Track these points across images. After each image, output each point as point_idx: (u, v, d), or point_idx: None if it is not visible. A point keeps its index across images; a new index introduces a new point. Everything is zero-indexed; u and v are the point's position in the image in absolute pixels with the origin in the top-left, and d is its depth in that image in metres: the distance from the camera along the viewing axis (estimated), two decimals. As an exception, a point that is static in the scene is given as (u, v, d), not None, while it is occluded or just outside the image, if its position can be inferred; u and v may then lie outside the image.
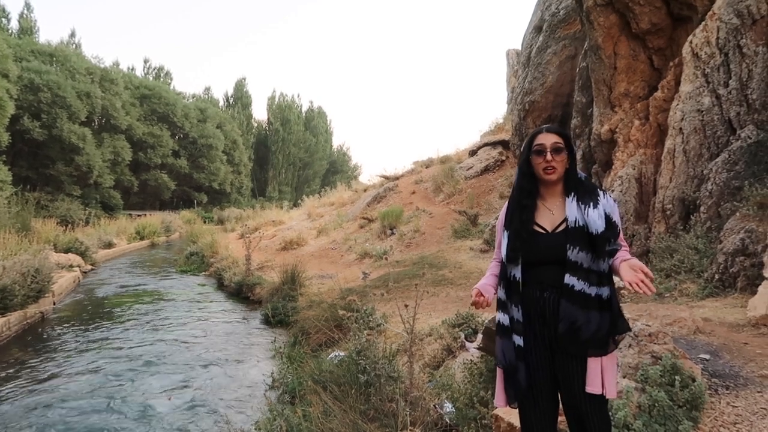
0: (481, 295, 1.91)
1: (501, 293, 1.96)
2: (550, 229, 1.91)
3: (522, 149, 2.01)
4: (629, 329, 1.94)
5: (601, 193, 1.91)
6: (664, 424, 2.47)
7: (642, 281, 1.67)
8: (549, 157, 1.90)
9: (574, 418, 1.87)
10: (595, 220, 1.83)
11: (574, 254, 1.82)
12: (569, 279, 1.81)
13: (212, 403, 4.88)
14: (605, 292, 1.82)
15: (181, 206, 38.19)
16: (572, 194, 1.91)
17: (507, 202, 2.05)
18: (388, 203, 15.33)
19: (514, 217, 1.96)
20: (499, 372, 1.98)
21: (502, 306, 1.96)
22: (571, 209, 1.88)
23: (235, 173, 45.33)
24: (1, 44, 20.72)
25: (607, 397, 1.82)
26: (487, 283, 1.99)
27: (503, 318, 1.93)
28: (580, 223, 1.84)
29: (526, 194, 1.96)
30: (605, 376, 1.81)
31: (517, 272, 1.91)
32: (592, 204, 1.86)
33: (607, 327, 1.80)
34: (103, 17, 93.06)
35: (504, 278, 1.95)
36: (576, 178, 1.95)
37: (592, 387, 1.80)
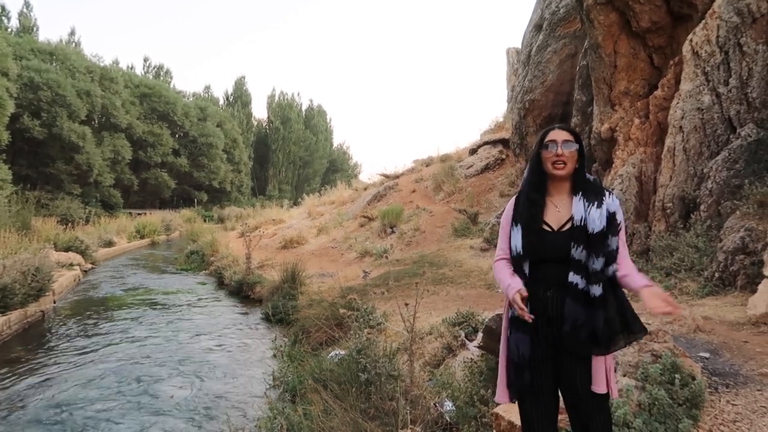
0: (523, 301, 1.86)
1: None
2: (555, 228, 1.91)
3: (534, 146, 2.02)
4: (645, 331, 1.95)
5: (606, 193, 1.93)
6: (664, 423, 2.48)
7: (668, 311, 1.77)
8: (560, 150, 1.91)
9: (577, 417, 1.88)
10: (595, 219, 1.84)
11: (578, 253, 1.83)
12: (573, 277, 1.83)
13: (213, 402, 4.89)
14: (599, 290, 1.83)
15: (181, 205, 38.20)
16: (580, 193, 1.92)
17: (512, 198, 2.05)
18: (388, 202, 15.33)
19: (524, 212, 1.96)
20: (501, 368, 1.98)
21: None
22: (578, 208, 1.89)
23: (235, 172, 45.32)
24: (1, 43, 20.70)
25: (612, 396, 1.84)
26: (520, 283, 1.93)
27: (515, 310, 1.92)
28: (583, 222, 1.85)
29: (535, 188, 1.98)
30: (609, 375, 1.84)
31: (526, 268, 1.92)
32: (596, 203, 1.88)
33: (601, 325, 1.81)
34: (103, 16, 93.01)
35: (518, 273, 1.95)
36: (584, 178, 1.96)
37: (598, 386, 1.81)
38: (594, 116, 8.19)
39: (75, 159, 25.68)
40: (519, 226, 1.95)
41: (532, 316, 1.83)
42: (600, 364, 1.83)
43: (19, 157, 24.94)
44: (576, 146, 1.94)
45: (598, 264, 1.82)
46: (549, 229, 1.92)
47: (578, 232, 1.85)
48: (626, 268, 1.87)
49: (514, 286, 1.88)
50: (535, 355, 1.88)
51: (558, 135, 1.95)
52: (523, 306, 1.83)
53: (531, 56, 12.62)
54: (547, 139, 1.96)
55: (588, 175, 1.99)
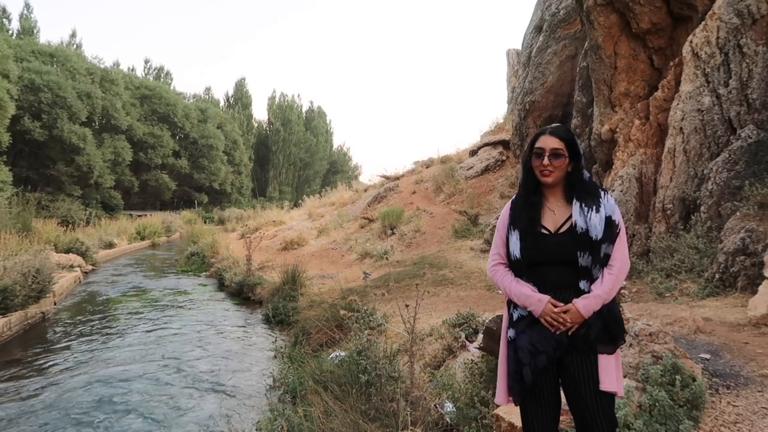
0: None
1: None
2: (553, 230, 1.91)
3: (526, 148, 2.02)
4: (626, 333, 1.98)
5: (602, 193, 1.91)
6: (664, 424, 2.47)
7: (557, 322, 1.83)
8: (546, 161, 1.89)
9: (580, 419, 1.87)
10: (596, 225, 1.84)
11: (584, 259, 1.84)
12: (584, 285, 1.85)
13: (213, 403, 4.89)
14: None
15: (181, 206, 38.20)
16: (579, 198, 1.90)
17: (510, 201, 2.04)
18: (388, 203, 15.33)
19: (522, 215, 1.94)
20: (501, 370, 1.98)
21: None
22: (578, 214, 1.87)
23: (236, 173, 45.34)
24: (1, 45, 20.74)
25: (618, 395, 1.84)
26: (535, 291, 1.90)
27: (523, 310, 1.91)
28: (585, 228, 1.84)
29: (532, 191, 1.96)
30: (617, 374, 1.85)
31: (525, 273, 1.91)
32: (594, 208, 1.86)
33: (600, 324, 1.83)
34: (104, 18, 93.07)
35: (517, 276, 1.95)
36: (581, 180, 1.94)
37: (607, 385, 1.82)
38: (594, 117, 8.19)
39: (75, 161, 25.69)
40: (516, 231, 1.94)
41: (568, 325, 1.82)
42: (608, 363, 1.84)
43: (20, 158, 24.97)
44: (565, 156, 1.90)
45: (596, 271, 1.85)
46: (546, 232, 1.92)
47: (582, 238, 1.84)
48: (598, 282, 1.85)
49: (540, 298, 1.85)
50: (549, 352, 1.84)
51: (547, 143, 1.91)
52: (565, 318, 1.81)
53: (531, 57, 12.63)
54: (536, 145, 1.94)
55: (585, 173, 1.97)
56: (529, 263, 1.90)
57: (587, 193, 1.90)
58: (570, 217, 1.89)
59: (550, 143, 1.91)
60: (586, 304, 1.80)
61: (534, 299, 1.86)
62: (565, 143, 1.91)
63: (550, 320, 1.82)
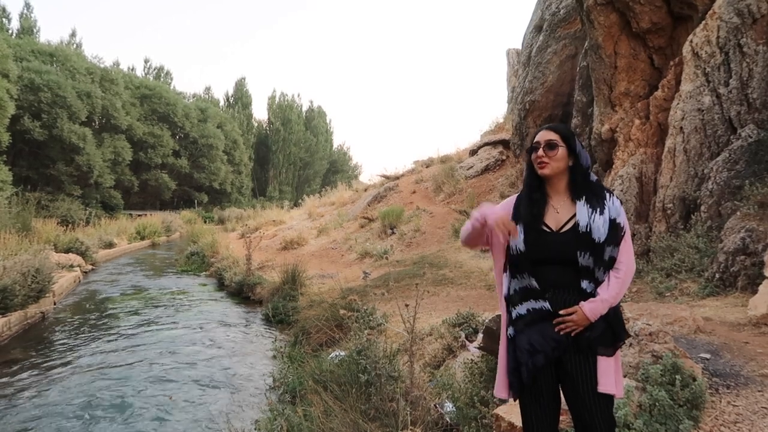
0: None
1: (517, 284, 1.92)
2: (555, 229, 1.90)
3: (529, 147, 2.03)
4: (628, 335, 1.98)
5: (607, 195, 1.91)
6: (664, 424, 2.47)
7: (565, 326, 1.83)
8: (541, 152, 1.92)
9: (579, 419, 1.87)
10: (599, 227, 1.83)
11: (585, 260, 1.83)
12: (586, 285, 1.84)
13: (213, 403, 4.89)
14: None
15: (181, 206, 38.22)
16: (583, 198, 1.90)
17: (516, 196, 2.04)
18: (388, 203, 15.33)
19: (524, 212, 1.93)
20: (501, 363, 1.97)
21: (524, 296, 1.89)
22: (583, 214, 1.86)
23: (236, 173, 45.37)
24: (1, 44, 20.73)
25: (617, 396, 1.84)
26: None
27: (521, 309, 1.89)
28: (589, 229, 1.84)
29: (534, 188, 1.97)
30: (616, 375, 1.84)
31: (529, 268, 1.89)
32: (599, 209, 1.86)
33: (603, 325, 1.82)
34: (104, 18, 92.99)
35: (519, 275, 1.92)
36: (585, 180, 1.94)
37: (605, 387, 1.81)
38: (594, 117, 8.19)
39: (75, 160, 25.71)
40: (520, 225, 1.92)
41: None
42: (607, 364, 1.83)
43: (20, 158, 24.97)
44: (561, 147, 1.91)
45: (600, 273, 1.84)
46: (548, 230, 1.90)
47: (584, 239, 1.83)
48: (603, 286, 1.85)
49: (491, 208, 1.89)
50: (548, 351, 1.83)
51: (543, 136, 1.95)
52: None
53: (531, 57, 12.63)
54: (534, 140, 1.97)
55: (592, 175, 1.97)
56: (533, 260, 1.89)
57: (592, 194, 1.90)
58: (573, 216, 1.89)
59: (546, 136, 1.94)
60: (593, 308, 1.80)
61: (488, 207, 1.90)
62: (561, 136, 1.93)
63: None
